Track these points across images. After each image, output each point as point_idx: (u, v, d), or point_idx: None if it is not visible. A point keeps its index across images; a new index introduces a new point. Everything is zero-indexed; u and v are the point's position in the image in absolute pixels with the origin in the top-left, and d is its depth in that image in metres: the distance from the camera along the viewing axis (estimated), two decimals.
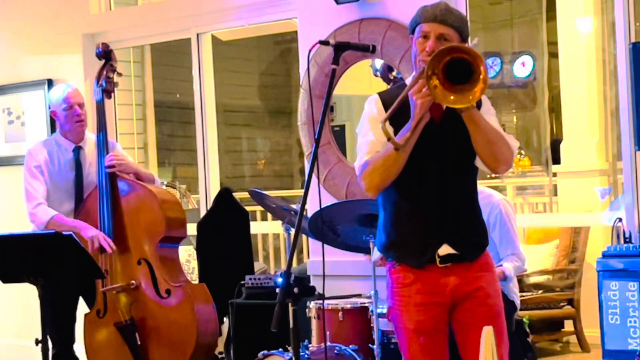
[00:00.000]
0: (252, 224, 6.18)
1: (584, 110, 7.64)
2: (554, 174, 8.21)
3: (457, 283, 3.24)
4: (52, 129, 6.45)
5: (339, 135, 6.85)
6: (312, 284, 5.26)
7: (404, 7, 5.15)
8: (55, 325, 4.83)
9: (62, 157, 5.10)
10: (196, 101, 6.56)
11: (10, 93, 7.12)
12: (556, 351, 6.56)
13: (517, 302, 4.55)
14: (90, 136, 5.21)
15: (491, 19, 10.11)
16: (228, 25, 6.53)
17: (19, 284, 4.44)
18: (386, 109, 3.17)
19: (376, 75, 5.53)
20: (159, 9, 6.74)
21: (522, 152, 8.90)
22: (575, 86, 7.64)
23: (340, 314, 4.47)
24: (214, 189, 6.40)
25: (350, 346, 4.30)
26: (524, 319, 4.71)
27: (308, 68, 5.42)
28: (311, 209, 5.24)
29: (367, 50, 3.53)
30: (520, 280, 5.53)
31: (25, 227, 5.08)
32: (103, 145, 5.09)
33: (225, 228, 5.90)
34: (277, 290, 3.17)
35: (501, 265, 4.41)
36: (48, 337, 4.34)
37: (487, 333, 2.72)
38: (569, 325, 6.47)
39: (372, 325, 4.27)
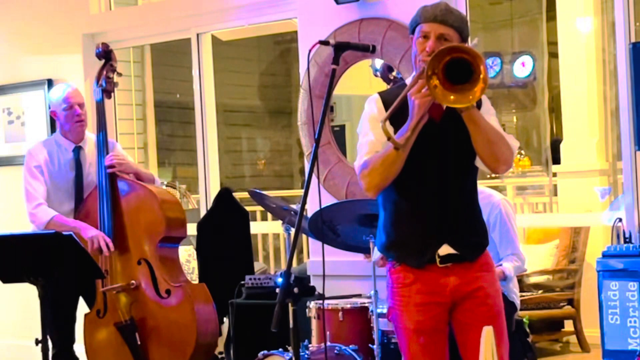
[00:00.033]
0: (252, 224, 6.18)
1: (584, 110, 7.64)
2: (554, 174, 8.21)
3: (457, 283, 3.24)
4: (52, 129, 6.45)
5: (339, 135, 6.85)
6: (312, 284, 5.26)
7: (404, 7, 5.15)
8: (55, 325, 4.83)
9: (62, 157, 5.10)
10: (196, 101, 6.56)
11: (10, 93, 7.12)
12: (556, 351, 6.56)
13: (517, 302, 4.55)
14: (90, 136, 5.21)
15: (491, 19, 10.11)
16: (228, 25, 6.53)
17: (19, 284, 4.44)
18: (386, 109, 3.17)
19: (376, 75, 5.53)
20: (159, 9, 6.74)
21: (522, 152, 8.90)
22: (575, 86, 7.64)
23: (340, 314, 4.47)
24: (214, 189, 6.40)
25: (350, 346, 4.30)
26: (524, 319, 4.71)
27: (308, 68, 5.42)
28: (311, 209, 5.24)
29: (367, 50, 3.53)
30: (520, 280, 5.53)
31: (25, 227, 5.08)
32: (103, 145, 5.09)
33: (225, 228, 5.90)
34: (277, 290, 3.17)
35: (501, 265, 4.41)
36: (48, 337, 4.34)
37: (487, 333, 2.72)
38: (569, 325, 6.47)
39: (372, 325, 4.27)
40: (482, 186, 4.29)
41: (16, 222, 6.03)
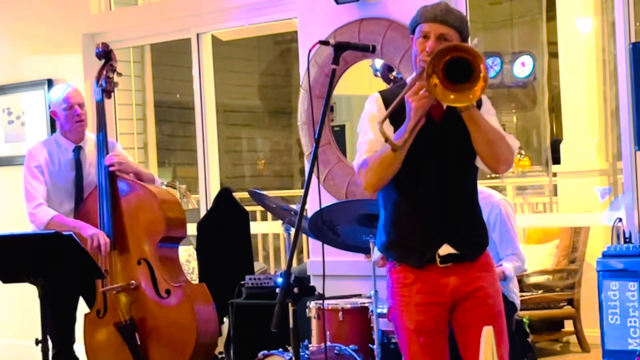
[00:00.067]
0: (252, 224, 6.18)
1: (584, 110, 7.64)
2: (554, 174, 8.21)
3: (458, 283, 3.24)
4: (52, 129, 6.45)
5: (339, 135, 6.85)
6: (312, 284, 5.26)
7: (404, 7, 5.15)
8: (55, 325, 4.83)
9: (62, 157, 5.10)
10: (196, 101, 6.56)
11: (10, 93, 7.12)
12: (556, 351, 6.56)
13: (517, 303, 4.55)
14: (91, 136, 5.21)
15: (491, 19, 10.11)
16: (228, 25, 6.53)
17: (19, 284, 4.44)
18: (387, 108, 3.17)
19: (376, 75, 5.53)
20: (159, 9, 6.74)
21: (522, 152, 8.89)
22: (575, 86, 7.64)
23: (340, 314, 4.47)
24: (214, 189, 6.40)
25: (350, 346, 4.30)
26: (524, 319, 4.71)
27: (308, 68, 5.42)
28: (311, 209, 5.24)
29: (367, 50, 3.53)
30: (520, 280, 5.53)
31: (25, 227, 5.08)
32: (103, 145, 5.09)
33: (225, 228, 5.90)
34: (277, 290, 3.17)
35: (501, 265, 4.41)
36: (48, 337, 4.34)
37: (487, 333, 2.72)
38: (569, 325, 6.46)
39: (372, 325, 4.27)
40: (482, 186, 4.29)
41: (16, 222, 6.02)
